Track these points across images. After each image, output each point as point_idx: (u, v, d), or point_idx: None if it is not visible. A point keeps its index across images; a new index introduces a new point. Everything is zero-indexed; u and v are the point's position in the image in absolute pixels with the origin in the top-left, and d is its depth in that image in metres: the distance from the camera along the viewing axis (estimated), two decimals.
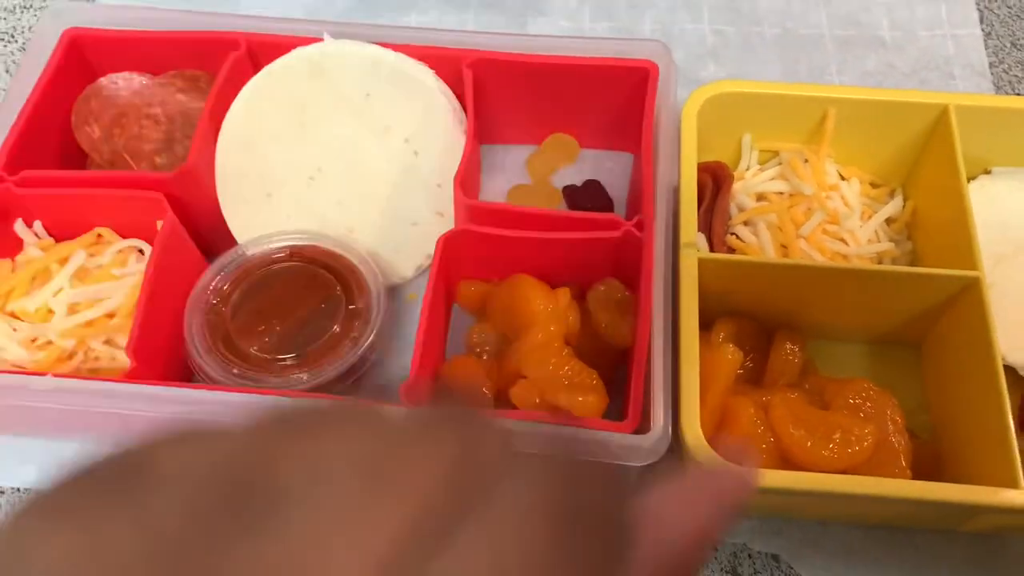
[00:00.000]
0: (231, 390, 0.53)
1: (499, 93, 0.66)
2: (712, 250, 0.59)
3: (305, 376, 0.55)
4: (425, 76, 0.64)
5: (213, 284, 0.59)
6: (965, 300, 0.55)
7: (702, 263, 0.55)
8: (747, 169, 0.65)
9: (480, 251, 0.58)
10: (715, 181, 0.60)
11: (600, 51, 0.63)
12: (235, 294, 0.59)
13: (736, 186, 0.62)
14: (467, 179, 0.59)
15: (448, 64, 0.64)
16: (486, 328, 0.59)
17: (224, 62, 0.63)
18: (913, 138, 0.63)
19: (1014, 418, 0.51)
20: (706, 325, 0.58)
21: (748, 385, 0.58)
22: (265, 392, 0.52)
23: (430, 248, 0.64)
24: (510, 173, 0.70)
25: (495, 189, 0.69)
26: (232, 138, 0.63)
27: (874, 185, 0.66)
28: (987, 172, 0.65)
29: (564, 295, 0.57)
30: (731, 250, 0.60)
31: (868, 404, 0.55)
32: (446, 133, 0.64)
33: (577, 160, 0.70)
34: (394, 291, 0.65)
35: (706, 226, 0.59)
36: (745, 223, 0.61)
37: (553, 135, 0.70)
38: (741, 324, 0.59)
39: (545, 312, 0.56)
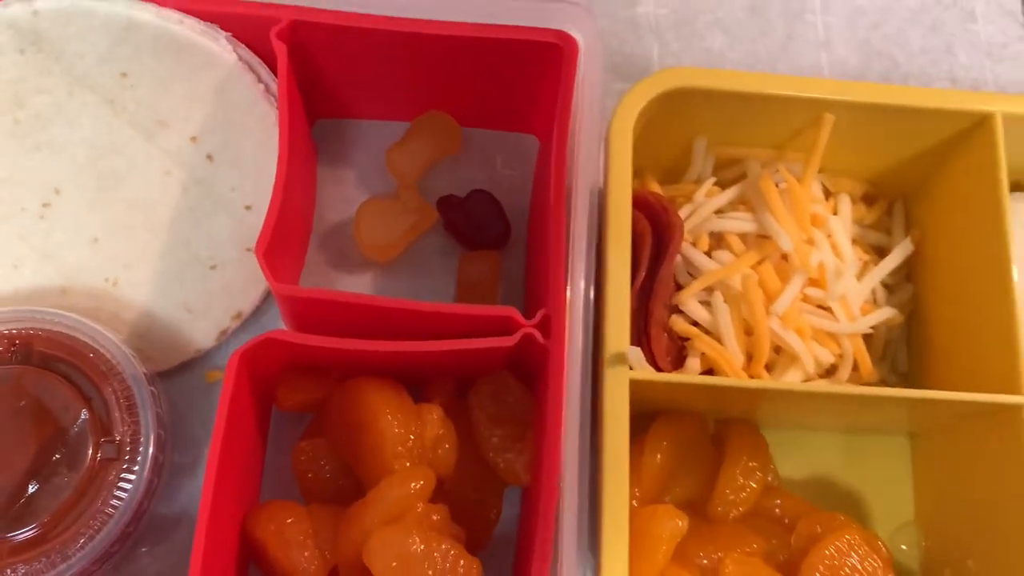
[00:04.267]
0: None
1: (338, 65, 0.44)
2: (648, 332, 0.40)
3: (41, 564, 0.36)
4: (215, 44, 0.41)
5: None
6: (1000, 421, 0.39)
7: (636, 385, 0.36)
8: (696, 182, 0.45)
9: (301, 358, 0.38)
10: (656, 232, 0.41)
11: (491, 15, 0.41)
12: None
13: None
14: (279, 241, 0.38)
15: (256, 28, 0.41)
16: (319, 447, 0.40)
17: None
18: (932, 147, 0.45)
19: None
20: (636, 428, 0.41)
21: (688, 518, 0.41)
22: None
23: (241, 303, 0.44)
24: (364, 169, 0.49)
25: (342, 196, 0.48)
26: None
27: (867, 200, 0.48)
28: (1022, 189, 0.47)
29: (433, 417, 0.38)
30: (673, 338, 0.41)
31: (851, 565, 0.40)
32: (258, 127, 0.43)
33: (461, 149, 0.49)
34: (188, 369, 0.44)
35: (643, 306, 0.40)
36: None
37: (425, 114, 0.48)
38: (682, 427, 0.42)
39: (401, 446, 0.38)
